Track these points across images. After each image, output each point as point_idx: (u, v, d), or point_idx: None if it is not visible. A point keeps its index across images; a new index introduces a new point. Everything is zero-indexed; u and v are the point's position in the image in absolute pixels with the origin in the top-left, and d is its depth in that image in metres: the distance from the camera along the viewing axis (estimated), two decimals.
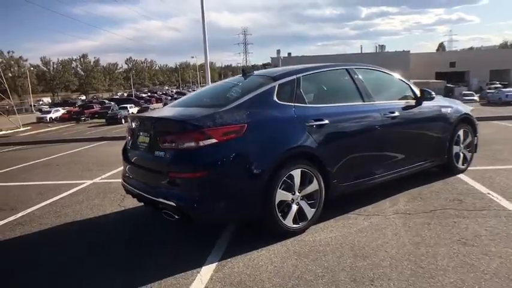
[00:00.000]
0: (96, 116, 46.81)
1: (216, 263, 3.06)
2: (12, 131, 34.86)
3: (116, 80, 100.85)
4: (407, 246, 3.13)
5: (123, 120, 35.23)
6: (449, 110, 4.92)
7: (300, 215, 3.51)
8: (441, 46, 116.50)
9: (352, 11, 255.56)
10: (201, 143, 3.05)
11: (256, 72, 4.13)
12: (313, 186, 3.57)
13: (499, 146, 6.92)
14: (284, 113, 3.50)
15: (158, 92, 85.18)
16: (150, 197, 3.36)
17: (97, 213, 4.61)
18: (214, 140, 3.08)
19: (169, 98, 65.34)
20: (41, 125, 39.08)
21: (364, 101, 4.11)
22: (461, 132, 5.07)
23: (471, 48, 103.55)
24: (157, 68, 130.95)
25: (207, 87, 4.72)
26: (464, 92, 45.59)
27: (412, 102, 4.56)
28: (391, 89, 4.62)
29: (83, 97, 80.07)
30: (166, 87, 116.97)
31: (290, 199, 3.43)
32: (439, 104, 4.87)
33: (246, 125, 3.22)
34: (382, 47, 71.43)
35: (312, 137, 3.53)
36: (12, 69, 65.08)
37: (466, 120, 5.18)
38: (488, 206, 3.89)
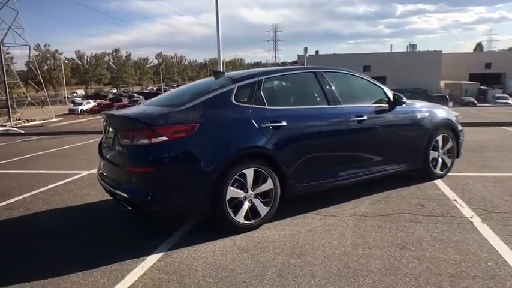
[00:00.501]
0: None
1: (163, 253, 3.28)
2: (45, 121, 36.61)
3: (146, 74, 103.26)
4: (347, 247, 3.23)
5: None
6: (426, 114, 4.92)
7: (253, 213, 3.66)
8: (479, 46, 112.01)
9: (387, 8, 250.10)
10: (153, 140, 3.27)
11: (226, 74, 4.30)
12: (268, 185, 3.71)
13: (494, 153, 6.78)
14: (240, 114, 3.66)
15: None
16: (111, 188, 3.62)
17: (80, 202, 4.93)
18: (165, 138, 3.29)
19: None
20: (72, 116, 40.73)
21: (329, 104, 4.20)
22: (440, 138, 5.05)
23: (511, 49, 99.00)
24: (186, 63, 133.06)
25: (182, 87, 4.92)
26: (497, 95, 43.87)
27: (385, 106, 4.60)
28: (362, 93, 4.68)
29: (114, 90, 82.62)
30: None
31: (242, 197, 3.59)
32: (415, 109, 4.88)
33: (197, 124, 3.40)
34: (413, 46, 69.44)
35: (267, 138, 3.67)
36: (48, 62, 68.13)
37: (447, 126, 5.15)
38: (447, 213, 3.90)
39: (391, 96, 4.67)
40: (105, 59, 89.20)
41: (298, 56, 64.45)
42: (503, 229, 3.44)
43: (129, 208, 3.43)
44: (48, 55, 68.70)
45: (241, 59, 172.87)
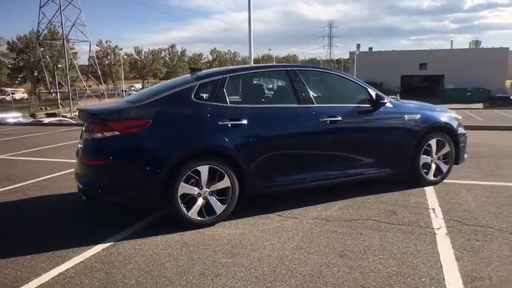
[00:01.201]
0: None
1: (111, 243, 3.40)
2: None
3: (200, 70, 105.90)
4: (287, 250, 3.15)
5: None
6: (416, 116, 4.62)
7: (208, 210, 3.68)
8: None
9: (454, 2, 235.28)
10: (105, 134, 3.41)
11: (202, 72, 4.32)
12: (224, 183, 3.71)
13: (511, 160, 6.21)
14: (197, 112, 3.68)
15: None
16: (76, 181, 3.82)
17: (73, 190, 5.23)
18: (116, 132, 3.41)
19: None
20: None
21: (299, 104, 4.09)
22: (433, 142, 4.73)
23: None
24: (239, 59, 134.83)
25: (161, 83, 5.01)
26: None
27: (365, 107, 4.40)
28: (342, 93, 4.51)
29: None
30: None
31: (196, 193, 3.62)
32: (402, 110, 4.60)
33: (150, 120, 3.49)
34: (477, 42, 64.65)
35: (224, 136, 3.67)
36: (108, 57, 72.33)
37: (442, 129, 4.81)
38: (415, 222, 3.66)
39: (374, 97, 4.45)
40: (162, 55, 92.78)
41: (350, 52, 62.66)
42: (465, 243, 3.17)
43: (84, 198, 3.61)
44: (109, 50, 73.02)
45: (294, 55, 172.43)
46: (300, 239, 3.37)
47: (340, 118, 4.16)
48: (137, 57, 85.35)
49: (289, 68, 4.25)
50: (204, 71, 4.23)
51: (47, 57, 55.76)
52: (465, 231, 3.41)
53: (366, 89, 4.49)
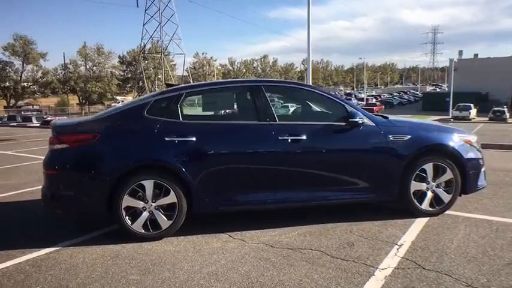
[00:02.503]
0: None
1: (58, 248, 3.62)
2: None
3: (290, 79, 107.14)
4: (200, 274, 3.03)
5: None
6: (405, 137, 4.08)
7: (153, 224, 3.71)
8: None
9: None
10: (56, 147, 3.67)
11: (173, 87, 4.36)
12: (170, 198, 3.70)
13: None
14: (146, 127, 3.74)
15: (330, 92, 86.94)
16: None
17: None
18: (66, 145, 3.64)
19: None
20: None
21: (259, 121, 3.91)
22: (428, 167, 4.12)
23: None
24: (332, 68, 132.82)
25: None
26: None
27: (339, 125, 4.02)
28: (314, 109, 4.18)
29: None
30: (341, 88, 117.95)
31: (141, 207, 3.68)
32: (387, 129, 4.09)
33: (98, 135, 3.65)
34: None
35: (170, 152, 3.68)
36: (203, 68, 77.12)
37: (442, 152, 4.17)
38: (364, 259, 3.22)
39: (347, 114, 4.03)
40: (254, 65, 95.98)
41: (449, 59, 57.37)
42: None
43: (43, 204, 3.91)
44: (205, 62, 77.80)
45: (392, 63, 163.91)
46: (223, 264, 3.21)
47: (304, 137, 3.87)
48: (230, 67, 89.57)
49: (252, 84, 4.10)
50: (175, 87, 4.28)
51: (151, 68, 61.68)
52: (410, 277, 2.89)
53: (344, 105, 4.11)
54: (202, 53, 78.14)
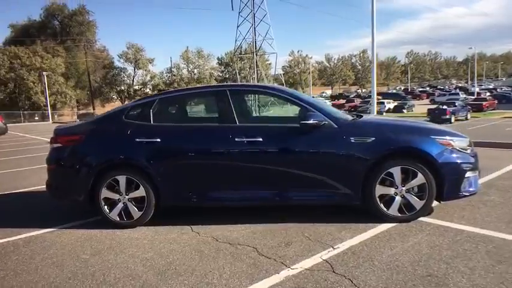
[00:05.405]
0: (352, 110, 49.57)
1: (52, 229, 4.38)
2: None
3: (392, 74, 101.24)
4: (129, 258, 3.47)
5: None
6: (368, 139, 3.96)
7: (126, 214, 4.27)
8: None
9: None
10: (53, 146, 4.46)
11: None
12: (140, 192, 4.22)
13: None
14: (122, 130, 4.30)
15: (439, 87, 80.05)
16: None
17: None
18: (59, 144, 4.41)
19: (437, 94, 60.41)
20: None
21: (221, 123, 4.19)
22: (395, 170, 3.94)
23: None
24: (442, 60, 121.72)
25: None
26: None
27: (294, 127, 4.08)
28: (278, 112, 4.27)
29: (359, 90, 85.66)
30: (453, 82, 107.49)
31: (117, 199, 4.27)
32: (349, 131, 4.01)
33: (84, 136, 4.34)
34: None
35: (139, 151, 4.19)
36: (299, 66, 77.63)
37: (413, 155, 3.96)
38: (283, 258, 3.31)
39: (304, 116, 4.06)
40: (352, 60, 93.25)
41: None
42: None
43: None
44: (300, 60, 78.21)
45: None
46: (162, 252, 3.60)
47: (260, 138, 4.04)
48: (327, 64, 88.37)
49: (219, 89, 4.39)
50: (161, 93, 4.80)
51: (247, 69, 64.31)
52: (311, 278, 2.93)
53: (303, 107, 4.15)
54: (298, 51, 78.62)
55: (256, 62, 47.76)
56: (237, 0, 54.63)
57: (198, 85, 53.64)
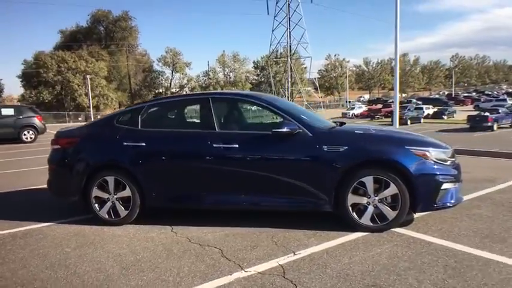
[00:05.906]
0: (389, 115, 48.27)
1: (50, 224, 4.77)
2: None
3: (435, 78, 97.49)
4: (108, 255, 3.75)
5: (408, 122, 35.12)
6: (340, 148, 4.01)
7: (114, 212, 4.57)
8: None
9: None
10: (54, 147, 4.85)
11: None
12: (126, 192, 4.51)
13: None
14: (113, 134, 4.61)
15: (486, 92, 76.06)
16: None
17: None
18: (59, 146, 4.79)
19: (483, 99, 57.51)
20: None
21: (202, 129, 4.40)
22: (368, 180, 3.97)
23: None
24: (490, 63, 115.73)
25: None
26: None
27: (267, 134, 4.19)
28: (256, 120, 4.42)
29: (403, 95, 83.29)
30: (505, 86, 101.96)
31: (106, 197, 4.58)
32: (323, 139, 4.08)
33: (78, 138, 4.70)
34: None
35: (126, 154, 4.49)
36: (336, 70, 76.70)
37: (385, 165, 3.97)
38: (243, 261, 3.45)
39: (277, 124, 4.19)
40: (392, 64, 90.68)
41: None
42: None
43: None
44: (337, 63, 77.24)
45: None
46: (134, 249, 3.84)
47: (236, 145, 4.20)
48: (365, 68, 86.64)
49: (203, 96, 4.60)
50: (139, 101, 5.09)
51: (282, 72, 64.53)
52: (259, 281, 3.07)
53: (279, 115, 4.27)
54: (335, 55, 77.73)
55: (291, 66, 47.78)
56: (272, 5, 54.99)
57: (229, 89, 54.55)
